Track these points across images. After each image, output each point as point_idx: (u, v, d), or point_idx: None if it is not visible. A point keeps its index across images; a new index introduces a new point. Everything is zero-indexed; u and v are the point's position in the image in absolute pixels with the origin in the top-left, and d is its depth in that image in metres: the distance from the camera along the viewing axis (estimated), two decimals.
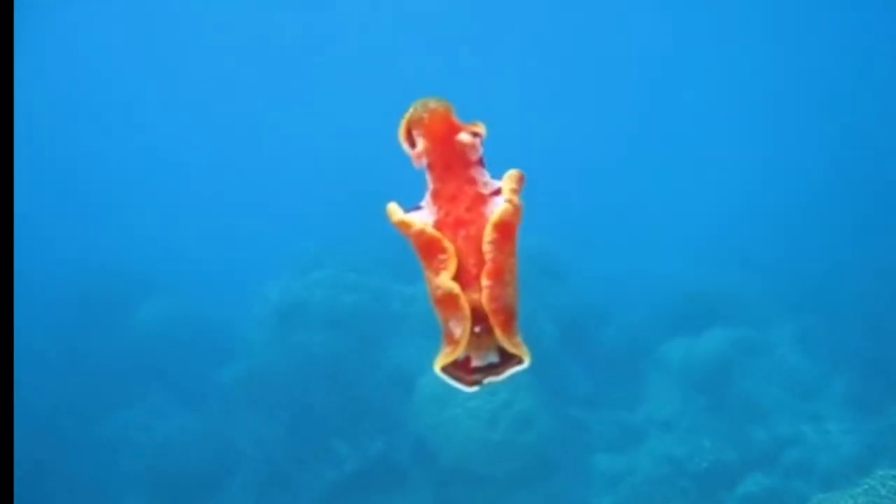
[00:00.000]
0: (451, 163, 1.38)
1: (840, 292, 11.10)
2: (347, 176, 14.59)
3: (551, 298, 10.72)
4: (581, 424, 9.35)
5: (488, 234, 1.33)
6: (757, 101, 21.31)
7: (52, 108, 22.96)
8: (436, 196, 1.40)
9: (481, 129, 1.39)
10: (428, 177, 1.41)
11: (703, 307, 10.92)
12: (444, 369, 1.39)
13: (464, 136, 1.37)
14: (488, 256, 1.33)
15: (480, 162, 1.40)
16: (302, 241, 11.00)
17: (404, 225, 1.37)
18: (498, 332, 1.34)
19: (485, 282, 1.33)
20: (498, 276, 1.33)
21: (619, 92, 22.91)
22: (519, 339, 1.37)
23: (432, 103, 1.37)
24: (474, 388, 1.42)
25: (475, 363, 1.40)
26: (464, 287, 1.34)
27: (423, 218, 1.40)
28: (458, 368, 1.40)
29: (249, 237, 15.57)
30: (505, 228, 1.34)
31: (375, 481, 8.08)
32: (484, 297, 1.32)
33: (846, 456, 8.26)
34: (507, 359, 1.40)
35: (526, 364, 1.38)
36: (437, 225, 1.38)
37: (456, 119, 1.38)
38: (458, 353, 1.36)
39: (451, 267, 1.34)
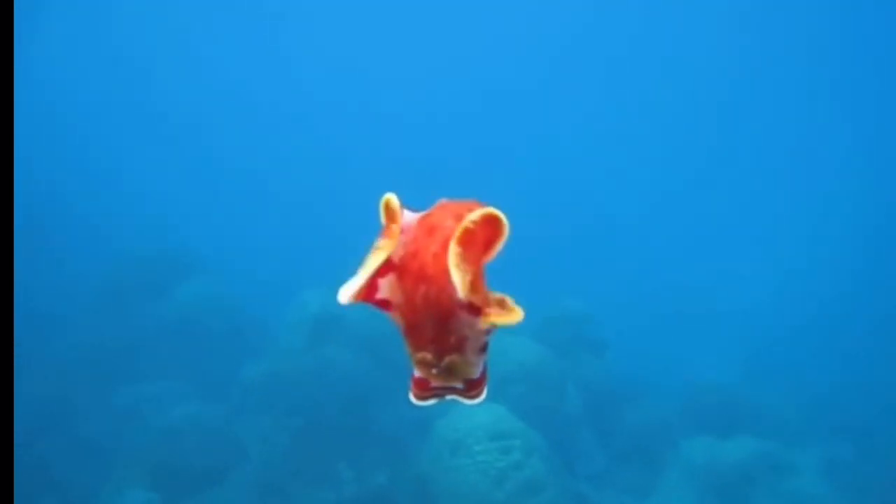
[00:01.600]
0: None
1: (880, 427, 10.73)
2: (412, 198, 14.56)
3: (584, 368, 10.58)
4: (587, 502, 9.12)
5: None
6: (819, 214, 21.06)
7: (102, 84, 23.40)
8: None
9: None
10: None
11: (735, 411, 10.66)
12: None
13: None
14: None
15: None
16: (353, 256, 10.95)
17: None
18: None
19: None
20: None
21: (685, 176, 22.79)
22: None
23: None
24: (424, 402, 1.30)
25: (435, 384, 1.27)
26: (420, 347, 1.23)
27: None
28: (414, 385, 1.29)
29: (302, 240, 15.64)
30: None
31: None
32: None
33: None
34: (472, 385, 1.27)
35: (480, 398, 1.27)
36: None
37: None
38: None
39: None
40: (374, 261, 1.20)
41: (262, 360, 9.64)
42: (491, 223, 1.17)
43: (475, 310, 1.17)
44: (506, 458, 7.71)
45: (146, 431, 9.29)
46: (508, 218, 1.18)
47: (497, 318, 1.16)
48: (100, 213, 15.34)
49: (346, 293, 1.19)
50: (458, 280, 1.12)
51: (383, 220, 1.23)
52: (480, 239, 1.18)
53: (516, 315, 1.17)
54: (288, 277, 11.63)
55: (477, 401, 1.30)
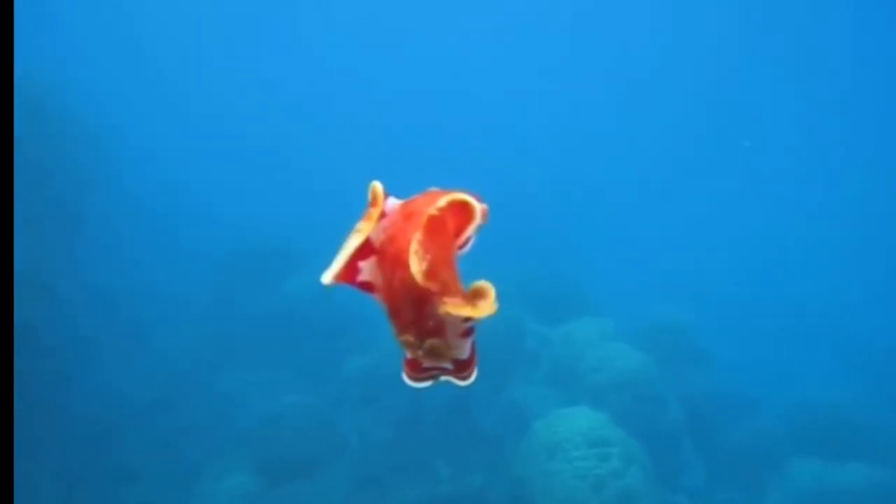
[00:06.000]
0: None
1: None
2: (516, 206, 14.41)
3: (687, 378, 10.30)
4: None
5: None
6: None
7: (230, 81, 24.25)
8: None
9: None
10: None
11: (847, 434, 10.16)
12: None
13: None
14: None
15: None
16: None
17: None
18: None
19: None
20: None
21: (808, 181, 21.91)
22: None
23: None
24: (419, 384, 1.33)
25: (425, 364, 1.30)
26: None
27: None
28: (406, 365, 1.31)
29: None
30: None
31: None
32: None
33: None
34: (461, 366, 1.30)
35: (470, 378, 1.30)
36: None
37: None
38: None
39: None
40: (352, 242, 1.22)
41: (365, 354, 9.79)
42: (460, 209, 1.18)
43: (435, 297, 1.14)
44: (604, 465, 7.59)
45: (250, 417, 9.59)
46: (489, 205, 1.19)
47: (453, 308, 1.12)
48: (220, 210, 15.99)
49: (328, 275, 1.22)
50: (415, 266, 1.12)
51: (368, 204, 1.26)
52: (450, 226, 1.18)
53: (480, 310, 1.12)
54: None
55: (467, 382, 1.31)
